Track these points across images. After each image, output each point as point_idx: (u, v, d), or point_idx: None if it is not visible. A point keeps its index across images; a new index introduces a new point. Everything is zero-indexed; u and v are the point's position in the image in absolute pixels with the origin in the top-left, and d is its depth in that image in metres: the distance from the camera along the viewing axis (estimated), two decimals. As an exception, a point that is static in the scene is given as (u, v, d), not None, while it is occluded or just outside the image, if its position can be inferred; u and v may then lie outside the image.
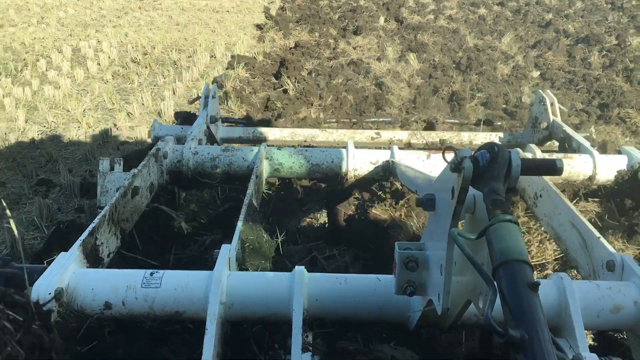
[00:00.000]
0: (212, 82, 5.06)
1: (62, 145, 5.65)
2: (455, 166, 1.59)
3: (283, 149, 3.91)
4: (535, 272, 3.13)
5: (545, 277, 3.07)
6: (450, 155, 1.65)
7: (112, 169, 3.38)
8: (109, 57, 8.71)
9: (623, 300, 2.29)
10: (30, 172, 4.90)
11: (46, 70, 8.08)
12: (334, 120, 5.81)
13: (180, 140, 4.10)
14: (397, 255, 1.96)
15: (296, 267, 2.33)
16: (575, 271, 3.02)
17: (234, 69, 7.66)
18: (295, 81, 6.84)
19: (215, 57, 8.99)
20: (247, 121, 5.55)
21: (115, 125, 6.13)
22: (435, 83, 7.21)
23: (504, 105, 6.52)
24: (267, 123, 5.57)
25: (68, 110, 6.55)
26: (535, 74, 7.83)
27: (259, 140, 4.60)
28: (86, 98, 6.98)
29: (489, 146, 1.62)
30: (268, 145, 3.97)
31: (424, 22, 11.17)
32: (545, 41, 9.57)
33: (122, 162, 3.43)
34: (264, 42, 9.69)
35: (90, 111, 6.60)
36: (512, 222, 1.51)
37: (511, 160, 1.59)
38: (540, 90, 4.70)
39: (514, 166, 1.59)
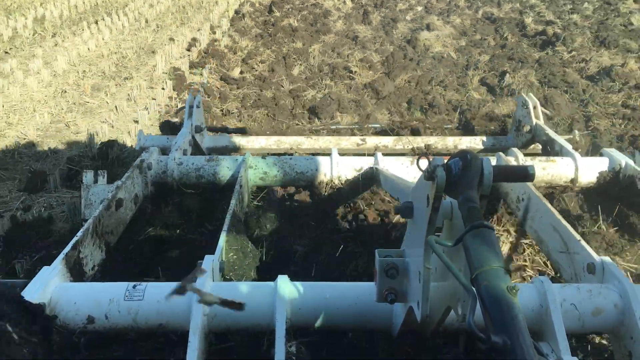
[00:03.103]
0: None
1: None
2: (429, 175, 1.60)
3: (267, 157, 3.92)
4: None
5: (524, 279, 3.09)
6: (424, 163, 1.67)
7: (95, 181, 3.38)
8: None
9: (604, 303, 2.31)
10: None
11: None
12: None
13: (166, 150, 4.10)
14: (378, 262, 1.97)
15: (279, 276, 2.34)
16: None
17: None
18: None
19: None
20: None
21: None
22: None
23: None
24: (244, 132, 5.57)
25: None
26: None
27: (244, 149, 4.61)
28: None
29: (462, 154, 1.64)
30: (253, 154, 3.97)
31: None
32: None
33: (105, 175, 3.42)
34: None
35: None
36: (488, 228, 1.53)
37: (483, 168, 1.61)
38: (523, 94, 4.74)
39: (486, 174, 1.61)
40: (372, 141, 4.78)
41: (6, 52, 8.11)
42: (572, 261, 2.76)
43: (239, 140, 4.76)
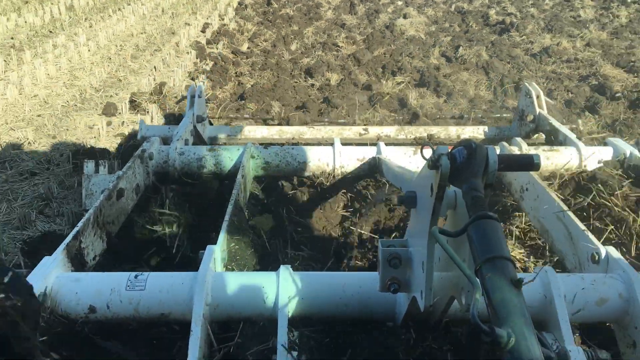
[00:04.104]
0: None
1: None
2: (433, 163, 1.59)
3: (269, 147, 3.90)
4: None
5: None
6: (428, 152, 1.65)
7: (97, 171, 3.36)
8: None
9: (608, 293, 2.30)
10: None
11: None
12: None
13: (167, 140, 4.08)
14: (381, 252, 1.96)
15: (281, 266, 2.33)
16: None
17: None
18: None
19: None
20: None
21: None
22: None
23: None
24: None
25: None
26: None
27: (246, 139, 4.59)
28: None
29: (466, 143, 1.62)
30: (255, 144, 3.95)
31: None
32: None
33: (107, 165, 3.41)
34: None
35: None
36: (492, 218, 1.51)
37: (488, 157, 1.59)
38: (526, 83, 4.70)
39: (491, 162, 1.59)
40: (375, 131, 4.76)
41: (50, 32, 9.83)
42: (576, 251, 2.75)
43: (240, 130, 4.74)
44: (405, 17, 11.06)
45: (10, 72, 7.29)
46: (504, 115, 5.54)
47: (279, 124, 5.29)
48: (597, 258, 2.51)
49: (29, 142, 5.38)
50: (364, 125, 5.15)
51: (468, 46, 8.77)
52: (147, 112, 6.18)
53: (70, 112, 6.24)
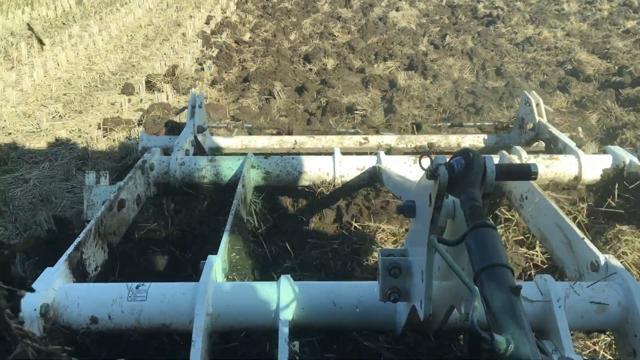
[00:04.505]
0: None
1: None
2: (431, 173, 1.60)
3: (270, 157, 3.91)
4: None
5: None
6: (427, 162, 1.66)
7: (98, 182, 3.38)
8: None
9: (607, 301, 2.30)
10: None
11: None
12: None
13: (168, 151, 4.09)
14: (380, 261, 1.97)
15: (282, 276, 2.34)
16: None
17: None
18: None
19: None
20: None
21: None
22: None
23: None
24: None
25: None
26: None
27: (246, 149, 4.60)
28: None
29: (464, 152, 1.64)
30: (255, 154, 3.97)
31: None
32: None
33: (107, 175, 3.42)
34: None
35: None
36: (490, 227, 1.52)
37: (486, 167, 1.61)
38: (525, 92, 4.72)
39: (489, 172, 1.61)
40: (375, 140, 4.77)
41: (63, 23, 10.71)
42: (575, 259, 2.75)
43: (241, 140, 4.76)
44: (397, 10, 11.76)
45: (33, 58, 8.18)
46: (487, 94, 6.50)
47: (279, 134, 5.31)
48: (596, 266, 2.52)
49: (60, 116, 6.29)
50: (364, 134, 5.16)
51: (455, 35, 9.53)
52: (162, 91, 6.91)
53: (92, 92, 7.13)
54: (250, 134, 5.25)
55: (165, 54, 8.71)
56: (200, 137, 4.44)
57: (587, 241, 2.68)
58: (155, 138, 4.63)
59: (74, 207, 4.18)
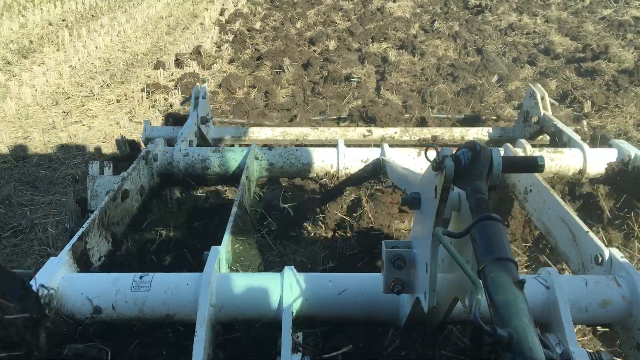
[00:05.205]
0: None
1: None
2: (437, 165, 1.59)
3: (274, 149, 3.91)
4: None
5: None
6: (432, 154, 1.65)
7: (101, 172, 3.38)
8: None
9: (611, 295, 2.30)
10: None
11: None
12: None
13: (171, 142, 4.09)
14: (384, 253, 1.96)
15: (285, 267, 2.33)
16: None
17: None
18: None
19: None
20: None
21: None
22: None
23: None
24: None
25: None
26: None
27: (250, 141, 4.60)
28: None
29: (471, 145, 1.62)
30: (259, 145, 3.96)
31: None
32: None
33: (111, 166, 3.42)
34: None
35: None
36: (496, 220, 1.51)
37: (492, 159, 1.60)
38: (530, 84, 4.70)
39: (495, 164, 1.60)
40: (379, 132, 4.76)
41: (92, 15, 11.97)
42: (579, 252, 2.75)
43: (244, 131, 4.75)
44: (394, 1, 12.64)
45: (73, 43, 9.42)
46: (464, 67, 7.47)
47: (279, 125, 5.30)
48: (600, 260, 2.51)
49: (107, 85, 7.53)
50: (368, 127, 5.15)
51: (444, 21, 10.56)
52: (189, 66, 8.03)
53: (130, 68, 8.37)
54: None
55: (187, 38, 9.89)
56: (203, 128, 4.43)
57: (592, 235, 2.68)
58: (159, 128, 4.62)
59: (132, 134, 5.69)
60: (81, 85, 7.49)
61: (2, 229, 3.94)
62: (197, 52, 8.67)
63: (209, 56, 8.61)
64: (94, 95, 7.07)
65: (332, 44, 9.01)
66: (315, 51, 8.74)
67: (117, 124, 6.15)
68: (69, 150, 5.42)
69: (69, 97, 7.05)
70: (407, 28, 10.07)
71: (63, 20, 11.32)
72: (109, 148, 5.44)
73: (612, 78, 6.84)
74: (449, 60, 7.93)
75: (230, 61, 8.39)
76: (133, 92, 7.14)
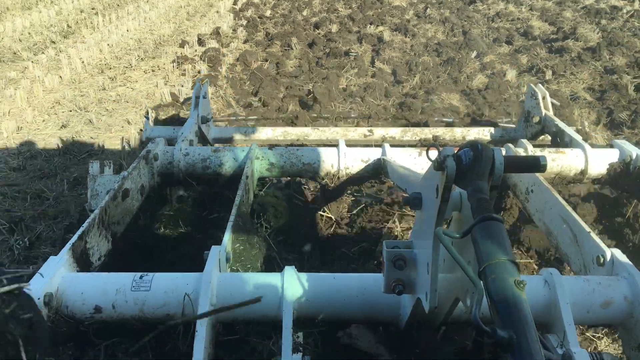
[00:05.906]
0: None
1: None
2: (439, 165, 1.58)
3: (274, 148, 3.89)
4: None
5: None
6: (434, 154, 1.64)
7: (102, 171, 3.37)
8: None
9: (613, 295, 2.29)
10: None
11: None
12: None
13: (172, 141, 4.08)
14: (385, 253, 1.95)
15: (285, 267, 2.33)
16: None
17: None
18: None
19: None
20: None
21: None
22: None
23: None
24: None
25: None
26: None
27: (250, 140, 4.59)
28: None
29: (473, 144, 1.62)
30: (259, 145, 3.96)
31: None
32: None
33: (112, 165, 3.41)
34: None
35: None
36: (497, 220, 1.51)
37: (494, 158, 1.59)
38: (532, 84, 4.69)
39: (497, 164, 1.59)
40: (380, 132, 4.75)
41: (118, 5, 13.31)
42: (581, 253, 2.74)
43: (245, 131, 4.74)
44: None
45: (106, 27, 10.82)
46: (449, 45, 8.74)
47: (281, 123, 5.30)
48: (602, 260, 2.50)
49: (141, 59, 9.06)
50: (369, 126, 5.15)
51: (436, 9, 11.75)
52: (211, 44, 9.33)
53: (159, 46, 9.82)
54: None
55: (206, 23, 11.33)
56: (204, 128, 4.42)
57: (593, 235, 2.66)
58: (159, 128, 4.62)
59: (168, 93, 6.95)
60: (120, 59, 9.03)
61: (80, 152, 5.58)
62: (216, 32, 10.13)
63: (227, 36, 10.00)
64: (132, 67, 8.58)
65: (334, 28, 10.31)
66: (319, 34, 9.97)
67: (156, 85, 7.59)
68: (120, 103, 7.06)
69: (111, 68, 8.56)
70: (402, 14, 11.31)
71: (93, 9, 12.90)
72: (151, 102, 6.86)
73: (577, 55, 8.10)
74: (437, 40, 9.24)
75: (245, 41, 9.85)
76: (164, 64, 8.67)
